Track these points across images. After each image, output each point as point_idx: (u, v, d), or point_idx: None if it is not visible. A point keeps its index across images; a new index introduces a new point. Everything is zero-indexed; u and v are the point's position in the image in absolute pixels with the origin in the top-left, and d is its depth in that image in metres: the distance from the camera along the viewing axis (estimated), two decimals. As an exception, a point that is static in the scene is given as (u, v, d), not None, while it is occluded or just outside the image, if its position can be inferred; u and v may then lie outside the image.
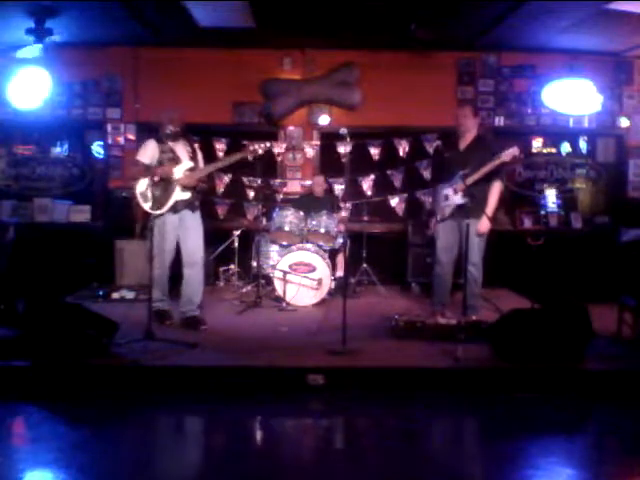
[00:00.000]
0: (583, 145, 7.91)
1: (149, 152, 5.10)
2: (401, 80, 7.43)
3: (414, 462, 3.21)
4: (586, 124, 7.62)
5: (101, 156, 7.76)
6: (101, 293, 6.33)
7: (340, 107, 7.55)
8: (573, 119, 7.59)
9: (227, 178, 7.55)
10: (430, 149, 7.56)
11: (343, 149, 7.38)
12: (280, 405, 3.92)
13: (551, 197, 7.73)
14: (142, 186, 5.05)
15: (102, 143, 7.70)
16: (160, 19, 6.33)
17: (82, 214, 7.54)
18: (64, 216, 7.50)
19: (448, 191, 5.20)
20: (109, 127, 7.59)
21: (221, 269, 7.25)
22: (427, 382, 4.14)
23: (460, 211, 5.03)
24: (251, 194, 7.64)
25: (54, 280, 6.42)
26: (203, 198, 5.40)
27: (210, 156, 5.77)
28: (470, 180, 4.96)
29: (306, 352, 4.53)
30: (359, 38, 7.04)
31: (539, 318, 4.38)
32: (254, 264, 6.86)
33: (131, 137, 7.56)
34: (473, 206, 4.77)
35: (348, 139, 4.90)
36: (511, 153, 4.82)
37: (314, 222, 6.41)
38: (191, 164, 5.18)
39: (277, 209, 6.60)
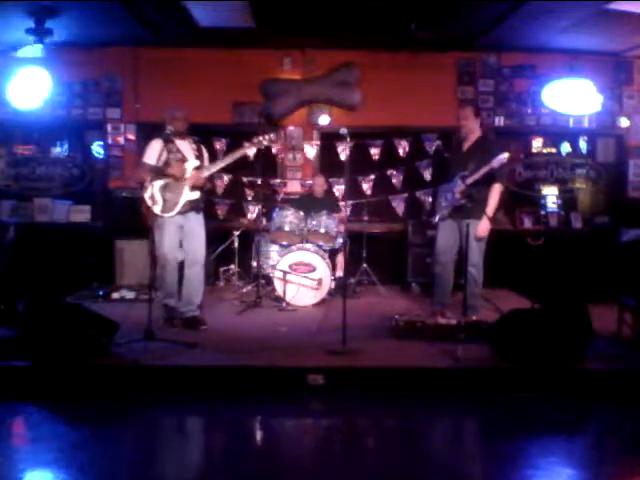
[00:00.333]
0: (583, 145, 7.91)
1: (155, 153, 4.96)
2: (401, 80, 7.43)
3: (414, 462, 3.21)
4: (586, 124, 7.62)
5: (101, 156, 7.76)
6: (101, 293, 6.33)
7: (340, 107, 7.55)
8: (573, 119, 7.59)
9: (227, 178, 7.55)
10: (430, 149, 7.57)
11: (343, 149, 7.38)
12: (280, 405, 3.92)
13: (551, 197, 7.74)
14: (151, 189, 4.98)
15: (102, 143, 7.70)
16: (160, 19, 6.33)
17: (82, 214, 7.54)
18: (64, 216, 7.50)
19: (448, 192, 5.21)
20: (109, 127, 7.59)
21: (221, 269, 7.25)
22: (427, 382, 4.14)
23: (459, 212, 5.03)
24: (251, 194, 7.65)
25: (54, 280, 6.42)
26: (205, 198, 5.39)
27: (211, 156, 5.75)
28: (469, 181, 4.96)
29: (306, 352, 4.52)
30: (359, 38, 7.04)
31: (539, 318, 4.38)
32: (254, 264, 6.86)
33: (131, 137, 7.56)
34: (473, 207, 4.77)
35: (348, 139, 4.89)
36: (499, 160, 4.81)
37: (314, 222, 6.41)
38: (198, 163, 5.16)
39: (277, 209, 6.60)
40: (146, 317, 4.56)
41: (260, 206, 6.63)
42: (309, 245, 6.33)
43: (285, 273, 6.07)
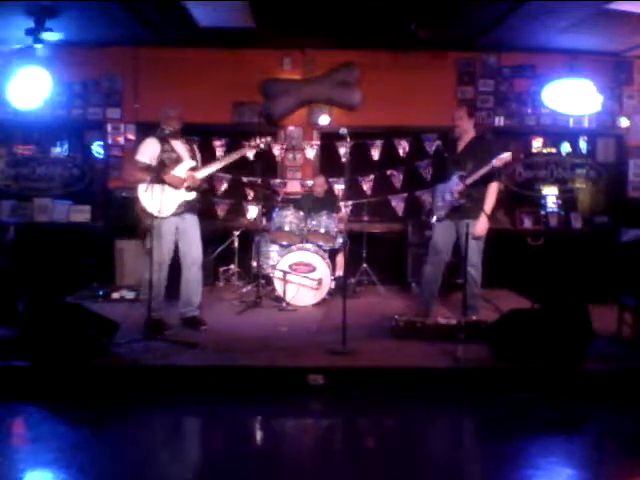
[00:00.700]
0: (583, 145, 7.91)
1: (149, 151, 4.98)
2: (401, 80, 7.43)
3: (414, 462, 3.21)
4: (586, 124, 7.62)
5: (101, 156, 7.76)
6: (101, 293, 6.33)
7: (340, 107, 7.55)
8: (573, 119, 7.59)
9: (227, 178, 7.55)
10: (430, 149, 7.57)
11: (343, 149, 7.38)
12: (280, 405, 3.92)
13: (551, 197, 7.74)
14: (146, 189, 4.88)
15: (102, 143, 7.70)
16: (160, 19, 6.34)
17: (82, 214, 7.54)
18: (64, 216, 7.50)
19: (446, 192, 5.21)
20: (109, 127, 7.59)
21: (221, 269, 7.25)
22: (427, 382, 4.14)
23: (457, 212, 5.05)
24: (251, 194, 7.64)
25: (54, 280, 6.42)
26: (203, 198, 5.36)
27: (210, 156, 5.76)
28: (469, 181, 4.97)
29: (306, 352, 4.52)
30: (359, 38, 7.04)
31: (539, 318, 4.38)
32: (254, 264, 6.86)
33: (131, 137, 7.56)
34: (471, 207, 4.79)
35: (348, 139, 4.89)
36: (503, 159, 4.83)
37: (314, 222, 6.41)
38: (193, 163, 5.13)
39: (277, 209, 6.60)
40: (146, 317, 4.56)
41: (260, 206, 6.63)
42: (309, 245, 6.33)
43: (285, 273, 6.07)
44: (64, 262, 6.83)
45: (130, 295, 6.22)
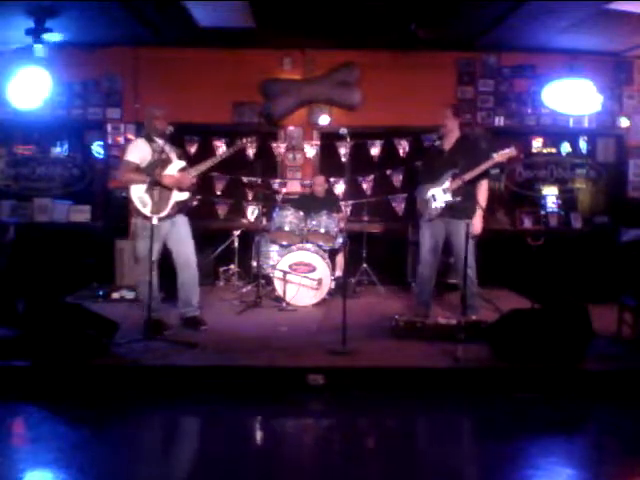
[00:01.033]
0: (583, 145, 7.90)
1: (139, 151, 4.93)
2: (401, 80, 7.43)
3: (414, 462, 3.21)
4: (586, 124, 7.62)
5: (101, 156, 7.75)
6: (101, 293, 6.33)
7: (340, 107, 7.55)
8: (573, 119, 7.58)
9: (227, 178, 7.55)
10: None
11: (343, 149, 7.38)
12: (280, 405, 3.92)
13: (551, 197, 7.74)
14: (138, 190, 4.88)
15: (102, 143, 7.70)
16: (160, 19, 6.33)
17: (82, 214, 7.54)
18: (64, 216, 7.51)
19: (436, 191, 5.21)
20: (109, 127, 7.59)
21: (221, 269, 7.24)
22: (427, 382, 4.14)
23: (448, 211, 5.06)
24: (251, 194, 7.64)
25: (54, 280, 6.42)
26: (203, 199, 5.34)
27: (210, 156, 5.73)
28: (468, 177, 4.99)
29: (306, 352, 4.52)
30: (359, 38, 7.04)
31: (539, 318, 4.38)
32: (254, 264, 6.85)
33: (131, 137, 7.53)
34: (465, 206, 4.81)
35: (348, 139, 4.89)
36: (506, 154, 4.85)
37: (314, 222, 6.40)
38: (183, 163, 5.09)
39: (277, 209, 6.59)
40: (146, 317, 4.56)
41: (260, 206, 6.62)
42: (309, 245, 6.33)
43: (285, 273, 6.07)
44: (64, 262, 6.83)
45: (130, 295, 6.22)
